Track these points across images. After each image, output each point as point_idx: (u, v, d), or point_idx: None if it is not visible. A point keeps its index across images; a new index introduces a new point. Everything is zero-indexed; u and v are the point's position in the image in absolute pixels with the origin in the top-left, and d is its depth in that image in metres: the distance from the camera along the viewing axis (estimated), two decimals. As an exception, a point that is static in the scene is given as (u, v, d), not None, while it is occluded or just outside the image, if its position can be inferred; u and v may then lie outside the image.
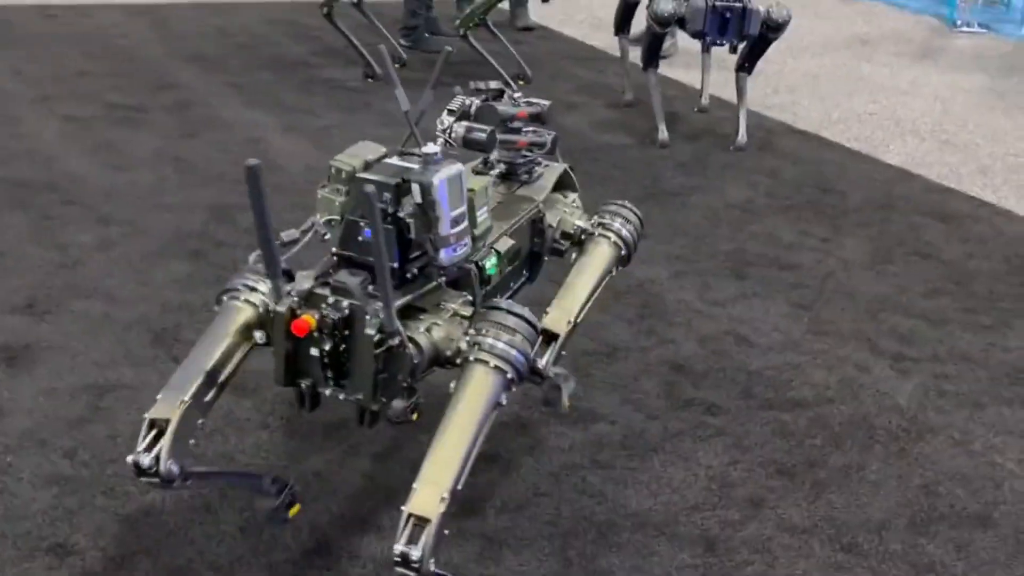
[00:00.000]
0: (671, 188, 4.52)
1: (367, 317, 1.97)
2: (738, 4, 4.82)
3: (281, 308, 2.00)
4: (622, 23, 5.59)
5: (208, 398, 2.06)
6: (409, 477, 1.93)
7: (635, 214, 2.72)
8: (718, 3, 4.80)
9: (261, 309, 2.11)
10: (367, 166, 2.15)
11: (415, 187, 2.02)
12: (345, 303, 1.98)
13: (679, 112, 5.51)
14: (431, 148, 2.06)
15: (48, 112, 4.64)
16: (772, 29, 4.90)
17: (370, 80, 5.38)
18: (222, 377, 2.08)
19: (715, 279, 3.74)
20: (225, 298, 2.15)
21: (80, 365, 2.86)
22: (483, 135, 2.39)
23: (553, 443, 2.74)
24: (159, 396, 2.01)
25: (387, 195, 2.03)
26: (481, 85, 2.58)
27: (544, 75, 5.87)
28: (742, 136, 5.08)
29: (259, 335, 2.09)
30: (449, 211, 2.05)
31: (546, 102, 2.61)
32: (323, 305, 1.99)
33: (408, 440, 2.68)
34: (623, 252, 2.67)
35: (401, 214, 2.04)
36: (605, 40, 6.54)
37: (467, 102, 2.53)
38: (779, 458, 2.78)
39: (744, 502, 2.60)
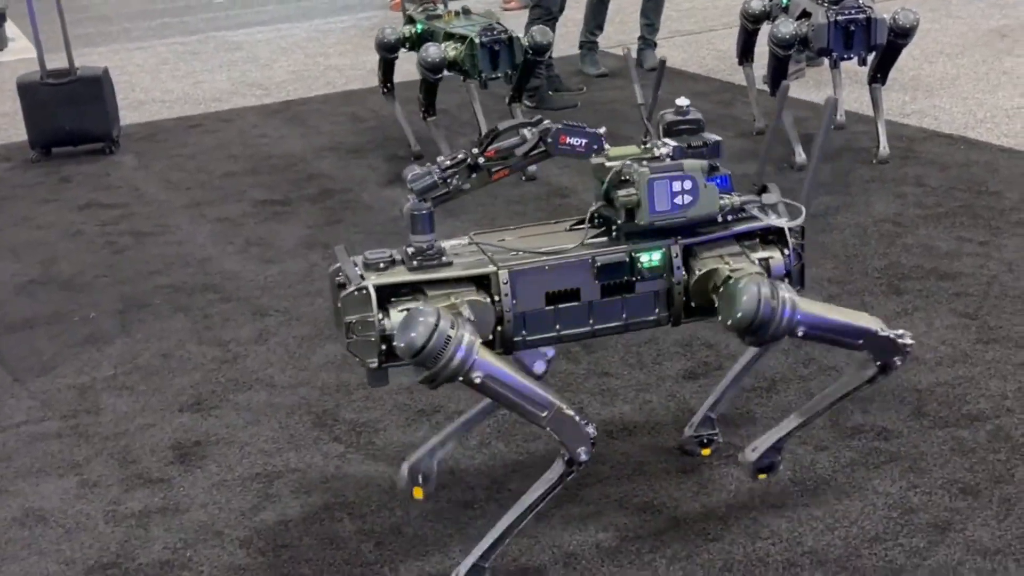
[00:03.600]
0: (815, 210, 4.38)
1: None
2: (862, 15, 4.70)
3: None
4: (744, 52, 5.51)
5: None
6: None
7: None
8: (840, 17, 4.69)
9: None
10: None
11: None
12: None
13: (814, 132, 5.37)
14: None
15: (199, 216, 4.85)
16: (900, 36, 4.75)
17: (415, 160, 5.40)
18: None
19: (871, 297, 3.61)
20: None
21: (248, 455, 2.95)
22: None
23: (718, 484, 2.67)
24: None
25: None
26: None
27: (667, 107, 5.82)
28: (883, 148, 4.92)
29: None
30: None
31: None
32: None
33: (570, 499, 2.65)
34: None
35: None
36: (728, 72, 6.47)
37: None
38: (961, 477, 2.64)
39: (928, 527, 2.47)
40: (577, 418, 2.18)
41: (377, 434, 3.00)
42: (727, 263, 2.36)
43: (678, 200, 2.31)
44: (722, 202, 2.37)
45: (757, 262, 2.40)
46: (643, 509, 2.61)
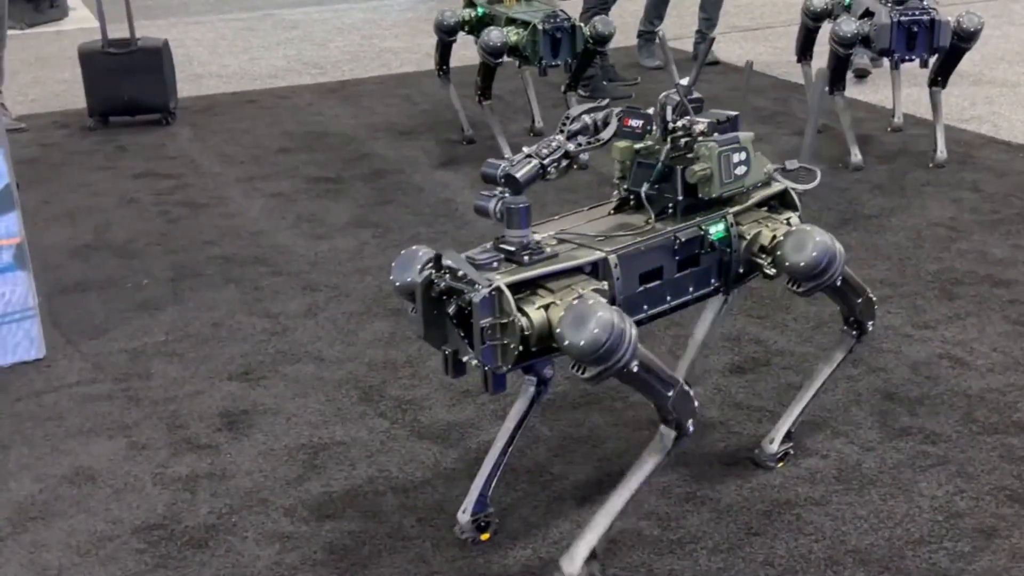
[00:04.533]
0: (868, 211, 4.37)
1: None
2: (926, 17, 4.64)
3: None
4: (804, 49, 5.46)
5: None
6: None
7: None
8: (903, 18, 4.63)
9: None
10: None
11: None
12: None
13: (871, 133, 5.33)
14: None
15: (253, 190, 4.89)
16: (963, 39, 4.69)
17: (467, 144, 5.41)
18: None
19: (924, 301, 3.57)
20: None
21: (294, 426, 2.98)
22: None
23: (763, 480, 2.66)
24: None
25: None
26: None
27: (724, 109, 5.79)
28: (941, 152, 4.86)
29: None
30: None
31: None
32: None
33: (612, 485, 2.66)
34: None
35: None
36: (785, 69, 6.42)
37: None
38: (1009, 484, 2.61)
39: (974, 533, 2.45)
40: (691, 392, 2.25)
41: (423, 411, 3.02)
42: (766, 225, 2.50)
43: (738, 171, 2.43)
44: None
45: (786, 223, 2.52)
46: (685, 499, 2.60)
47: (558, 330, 2.04)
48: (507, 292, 2.05)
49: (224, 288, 3.87)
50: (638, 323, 2.31)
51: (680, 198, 2.40)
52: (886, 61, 5.04)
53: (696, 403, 2.26)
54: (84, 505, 2.67)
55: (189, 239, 4.34)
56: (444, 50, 5.41)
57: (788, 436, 2.72)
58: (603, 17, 5.12)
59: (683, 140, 2.41)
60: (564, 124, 2.38)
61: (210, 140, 5.67)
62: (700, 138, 2.41)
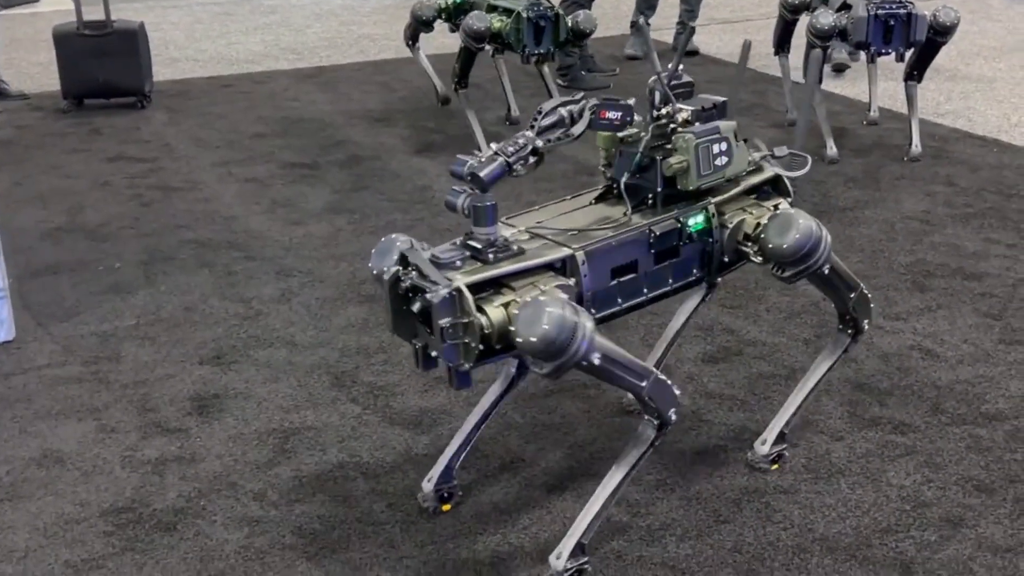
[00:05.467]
0: (843, 204, 4.39)
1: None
2: (902, 11, 4.65)
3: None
4: (781, 42, 5.48)
5: None
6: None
7: None
8: (880, 11, 4.65)
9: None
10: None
11: None
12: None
13: (847, 127, 5.35)
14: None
15: (228, 175, 4.86)
16: (940, 33, 4.71)
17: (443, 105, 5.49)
18: None
19: (896, 293, 3.59)
20: None
21: (265, 410, 2.97)
22: None
23: (732, 468, 2.67)
24: None
25: None
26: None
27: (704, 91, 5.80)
28: (916, 146, 4.89)
29: None
30: None
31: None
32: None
33: (583, 472, 2.66)
34: None
35: None
36: (764, 61, 6.44)
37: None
38: (976, 474, 2.63)
39: (941, 522, 2.47)
40: (669, 382, 2.24)
41: (395, 398, 3.01)
42: (751, 212, 2.47)
43: (718, 162, 2.40)
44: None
45: (772, 209, 2.50)
46: (655, 487, 2.61)
47: (512, 328, 2.04)
48: (466, 292, 2.05)
49: (197, 272, 3.85)
50: (613, 316, 2.33)
51: (659, 189, 2.39)
52: (864, 55, 5.07)
53: (677, 391, 2.26)
54: (52, 487, 2.65)
55: (162, 223, 4.31)
56: (415, 30, 5.41)
57: (782, 437, 2.67)
58: (587, 13, 5.11)
59: (669, 127, 2.39)
60: (536, 119, 2.35)
61: (185, 124, 5.63)
62: (680, 128, 2.39)
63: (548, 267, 2.21)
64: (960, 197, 4.44)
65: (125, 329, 3.43)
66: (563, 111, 2.37)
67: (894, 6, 4.66)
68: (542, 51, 4.98)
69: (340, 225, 4.27)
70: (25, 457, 2.77)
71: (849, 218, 4.23)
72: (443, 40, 5.81)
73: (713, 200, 2.45)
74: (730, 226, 2.45)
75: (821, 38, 4.77)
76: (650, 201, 2.41)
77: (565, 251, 2.24)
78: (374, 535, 2.46)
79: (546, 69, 5.15)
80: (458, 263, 2.13)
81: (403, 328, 2.16)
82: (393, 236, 2.23)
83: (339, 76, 6.60)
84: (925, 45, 4.76)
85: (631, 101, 2.45)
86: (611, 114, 2.41)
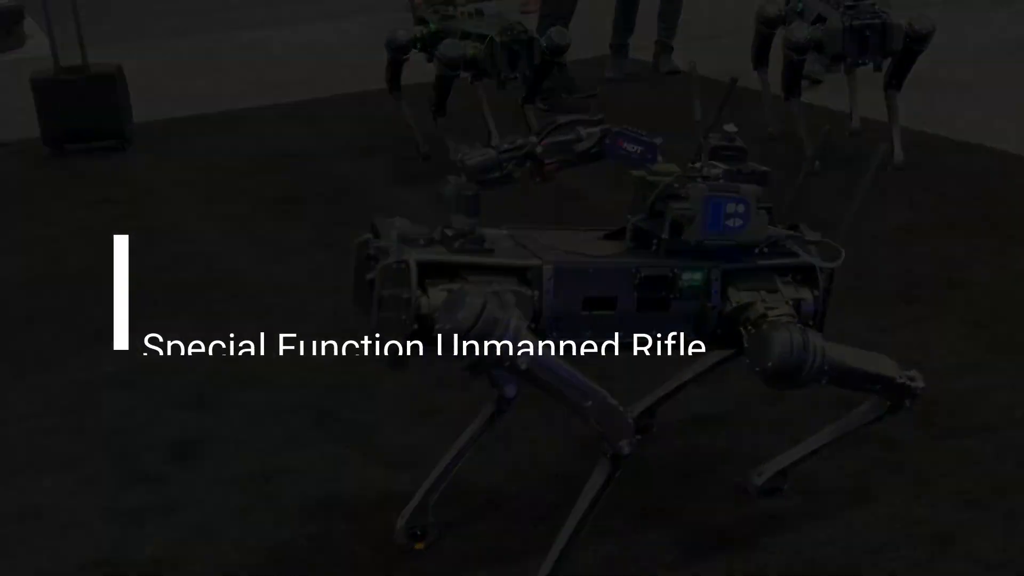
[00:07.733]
0: (826, 215, 4.34)
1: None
2: (877, 20, 4.65)
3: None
4: (759, 57, 5.47)
5: None
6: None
7: None
8: (856, 22, 4.64)
9: None
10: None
11: None
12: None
13: (829, 138, 5.32)
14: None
15: (209, 214, 4.84)
16: (916, 41, 4.70)
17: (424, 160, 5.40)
18: None
19: (882, 305, 3.56)
20: None
21: (246, 454, 2.93)
22: None
23: (713, 492, 2.63)
24: None
25: None
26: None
27: (685, 115, 5.79)
28: (898, 154, 4.87)
29: None
30: None
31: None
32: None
33: (570, 507, 2.62)
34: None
35: None
36: (742, 79, 6.42)
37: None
38: (967, 489, 2.60)
39: (932, 539, 2.43)
40: (620, 408, 2.12)
41: (376, 436, 2.98)
42: (763, 300, 2.29)
43: (730, 223, 2.24)
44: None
45: (790, 302, 2.32)
46: (641, 515, 2.57)
47: (434, 315, 2.01)
48: (413, 267, 2.04)
49: (178, 315, 3.81)
50: (578, 349, 2.24)
51: (664, 237, 2.26)
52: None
53: (630, 421, 2.13)
54: (29, 543, 2.61)
55: (143, 266, 4.27)
56: (395, 68, 5.37)
57: (782, 475, 2.57)
58: (559, 28, 5.10)
59: (697, 181, 2.27)
60: (546, 128, 2.32)
61: (167, 164, 5.62)
62: (690, 180, 2.25)
63: (512, 273, 2.17)
64: (945, 205, 4.42)
65: (104, 376, 3.39)
66: (581, 130, 2.32)
67: (869, 16, 4.65)
68: (518, 75, 4.97)
69: (322, 261, 4.24)
70: (3, 513, 2.73)
71: (833, 229, 4.19)
72: (419, 68, 5.80)
73: (726, 266, 2.29)
74: (735, 303, 2.29)
75: (797, 51, 4.76)
76: (654, 247, 2.29)
77: (533, 261, 2.18)
78: (355, 580, 2.42)
79: (531, 113, 5.12)
80: (422, 243, 2.13)
81: (362, 298, 2.17)
82: (391, 219, 2.23)
83: (322, 109, 6.59)
84: (902, 54, 4.75)
85: (658, 140, 2.39)
86: (629, 146, 2.33)
